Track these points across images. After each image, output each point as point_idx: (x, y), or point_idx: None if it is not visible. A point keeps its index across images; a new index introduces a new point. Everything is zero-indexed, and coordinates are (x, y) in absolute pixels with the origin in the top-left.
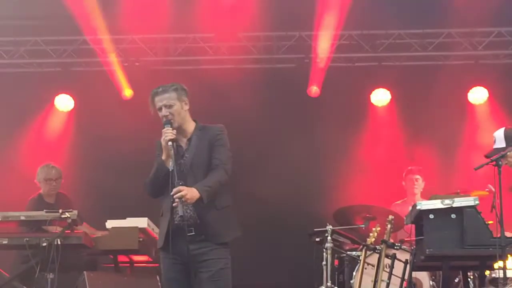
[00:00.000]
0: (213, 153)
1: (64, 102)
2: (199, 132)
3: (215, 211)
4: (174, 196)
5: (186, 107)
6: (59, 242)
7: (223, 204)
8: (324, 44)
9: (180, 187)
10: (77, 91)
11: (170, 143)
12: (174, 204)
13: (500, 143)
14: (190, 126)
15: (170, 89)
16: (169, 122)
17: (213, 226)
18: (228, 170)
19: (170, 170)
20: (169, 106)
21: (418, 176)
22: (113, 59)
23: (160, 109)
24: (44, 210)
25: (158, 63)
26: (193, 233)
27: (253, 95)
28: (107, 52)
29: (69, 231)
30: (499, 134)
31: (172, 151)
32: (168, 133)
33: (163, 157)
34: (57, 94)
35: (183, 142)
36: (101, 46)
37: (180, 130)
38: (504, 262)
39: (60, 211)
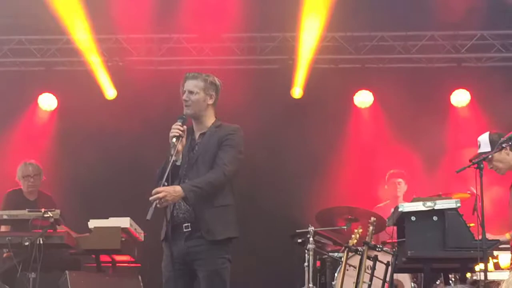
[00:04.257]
0: (219, 152)
1: (47, 101)
2: (214, 129)
3: (212, 208)
4: (150, 198)
5: (210, 101)
6: (41, 242)
7: (221, 203)
8: (307, 46)
9: (159, 189)
10: (61, 90)
11: (174, 139)
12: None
13: (485, 147)
14: (209, 121)
15: (201, 77)
16: (182, 118)
17: (208, 223)
18: (227, 172)
19: (175, 164)
20: (192, 93)
21: (400, 180)
22: (96, 58)
23: (184, 93)
24: (27, 210)
25: (142, 63)
26: (190, 229)
27: (236, 96)
28: (90, 51)
29: (51, 231)
30: (484, 138)
31: (175, 148)
32: (175, 130)
33: (172, 152)
34: (40, 93)
35: (197, 135)
36: (84, 46)
37: (198, 123)
38: (485, 265)
39: (43, 210)
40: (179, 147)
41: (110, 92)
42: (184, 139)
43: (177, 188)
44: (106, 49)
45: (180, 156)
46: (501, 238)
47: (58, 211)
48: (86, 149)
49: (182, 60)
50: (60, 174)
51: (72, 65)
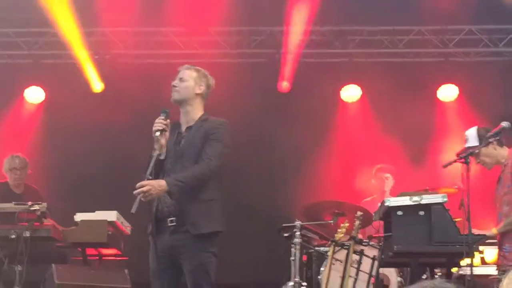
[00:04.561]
0: (205, 146)
1: (34, 94)
2: (201, 123)
3: (197, 203)
4: (134, 192)
5: (198, 91)
6: (27, 235)
7: (206, 197)
8: (295, 40)
9: (143, 182)
10: (48, 83)
11: (157, 133)
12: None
13: (473, 141)
14: (196, 113)
15: (194, 69)
16: (165, 112)
17: (193, 217)
18: (213, 166)
19: (159, 158)
20: (182, 80)
21: (388, 175)
22: (84, 52)
23: (175, 80)
24: (13, 202)
25: (129, 56)
26: (175, 224)
27: (223, 90)
28: (78, 45)
29: (38, 224)
30: (472, 132)
31: (158, 142)
32: (158, 124)
33: (155, 146)
34: (27, 86)
35: (184, 129)
36: (72, 39)
37: (185, 113)
38: (471, 260)
39: (29, 203)
40: (162, 141)
41: (97, 85)
42: (167, 133)
43: (162, 182)
44: (93, 42)
45: (164, 150)
46: (488, 233)
47: (44, 204)
48: (73, 142)
49: (169, 53)
50: (47, 167)
51: (60, 58)
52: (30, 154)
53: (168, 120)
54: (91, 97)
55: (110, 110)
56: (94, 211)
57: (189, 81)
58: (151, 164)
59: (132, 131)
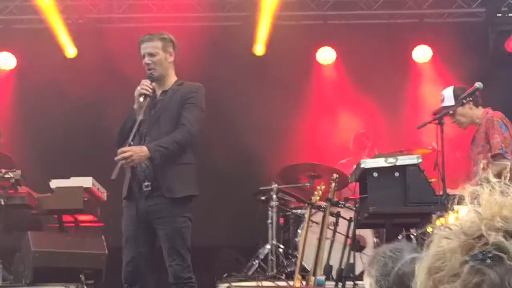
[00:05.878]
0: (183, 111)
1: (6, 61)
2: (176, 87)
3: (172, 167)
4: (115, 159)
5: (170, 59)
6: (2, 202)
7: (181, 161)
8: (269, 2)
9: (125, 148)
10: (20, 49)
11: (141, 98)
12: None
13: (449, 101)
14: (171, 79)
15: (156, 37)
16: (151, 77)
17: (168, 181)
18: (192, 132)
19: (138, 120)
20: (152, 55)
21: (366, 151)
22: (56, 16)
23: (144, 57)
24: None
25: (102, 20)
26: (150, 189)
27: (197, 53)
28: (50, 9)
29: (12, 191)
30: (448, 92)
31: (143, 105)
32: (144, 87)
33: (135, 107)
34: None
35: (159, 93)
36: (43, 3)
37: (159, 81)
38: (446, 219)
39: (3, 170)
40: (145, 106)
41: (70, 50)
42: (149, 99)
43: (143, 148)
44: (66, 6)
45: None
46: (461, 192)
47: (19, 171)
48: (46, 108)
49: (142, 17)
50: (20, 134)
51: (31, 23)
52: (2, 122)
53: (154, 84)
54: (65, 63)
55: (83, 75)
56: (69, 178)
57: (159, 53)
58: (134, 130)
59: (107, 96)
